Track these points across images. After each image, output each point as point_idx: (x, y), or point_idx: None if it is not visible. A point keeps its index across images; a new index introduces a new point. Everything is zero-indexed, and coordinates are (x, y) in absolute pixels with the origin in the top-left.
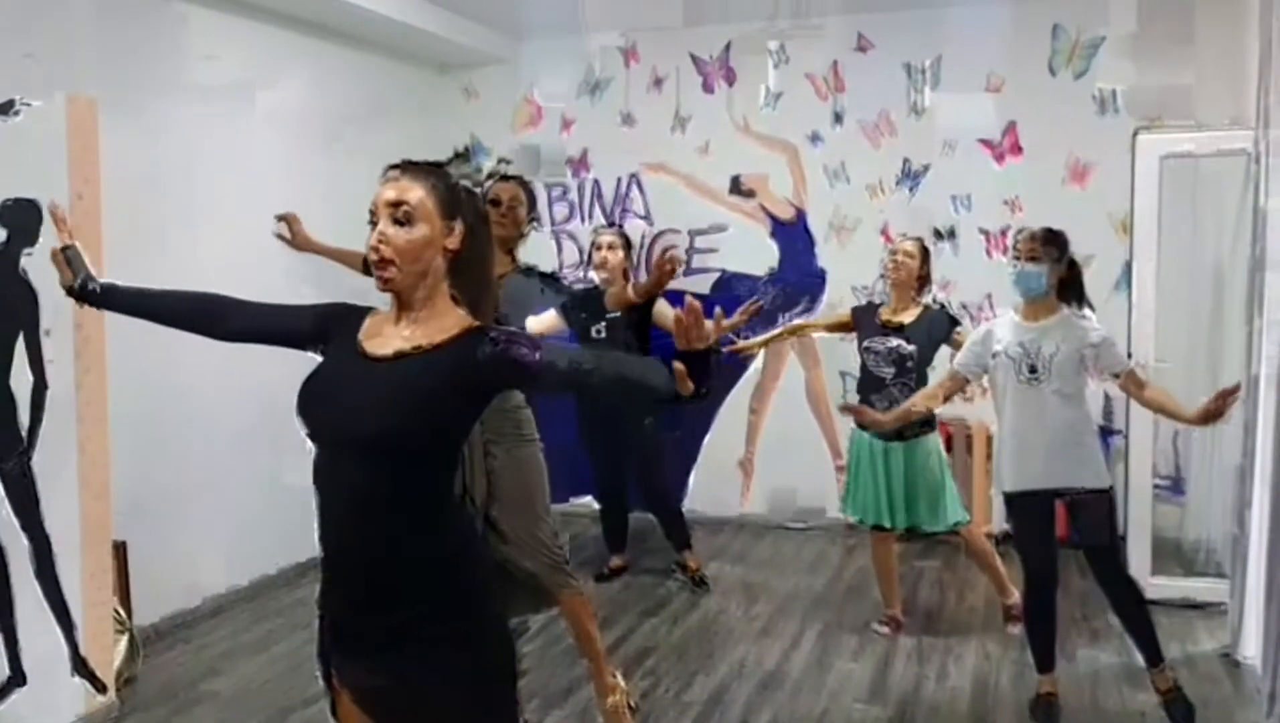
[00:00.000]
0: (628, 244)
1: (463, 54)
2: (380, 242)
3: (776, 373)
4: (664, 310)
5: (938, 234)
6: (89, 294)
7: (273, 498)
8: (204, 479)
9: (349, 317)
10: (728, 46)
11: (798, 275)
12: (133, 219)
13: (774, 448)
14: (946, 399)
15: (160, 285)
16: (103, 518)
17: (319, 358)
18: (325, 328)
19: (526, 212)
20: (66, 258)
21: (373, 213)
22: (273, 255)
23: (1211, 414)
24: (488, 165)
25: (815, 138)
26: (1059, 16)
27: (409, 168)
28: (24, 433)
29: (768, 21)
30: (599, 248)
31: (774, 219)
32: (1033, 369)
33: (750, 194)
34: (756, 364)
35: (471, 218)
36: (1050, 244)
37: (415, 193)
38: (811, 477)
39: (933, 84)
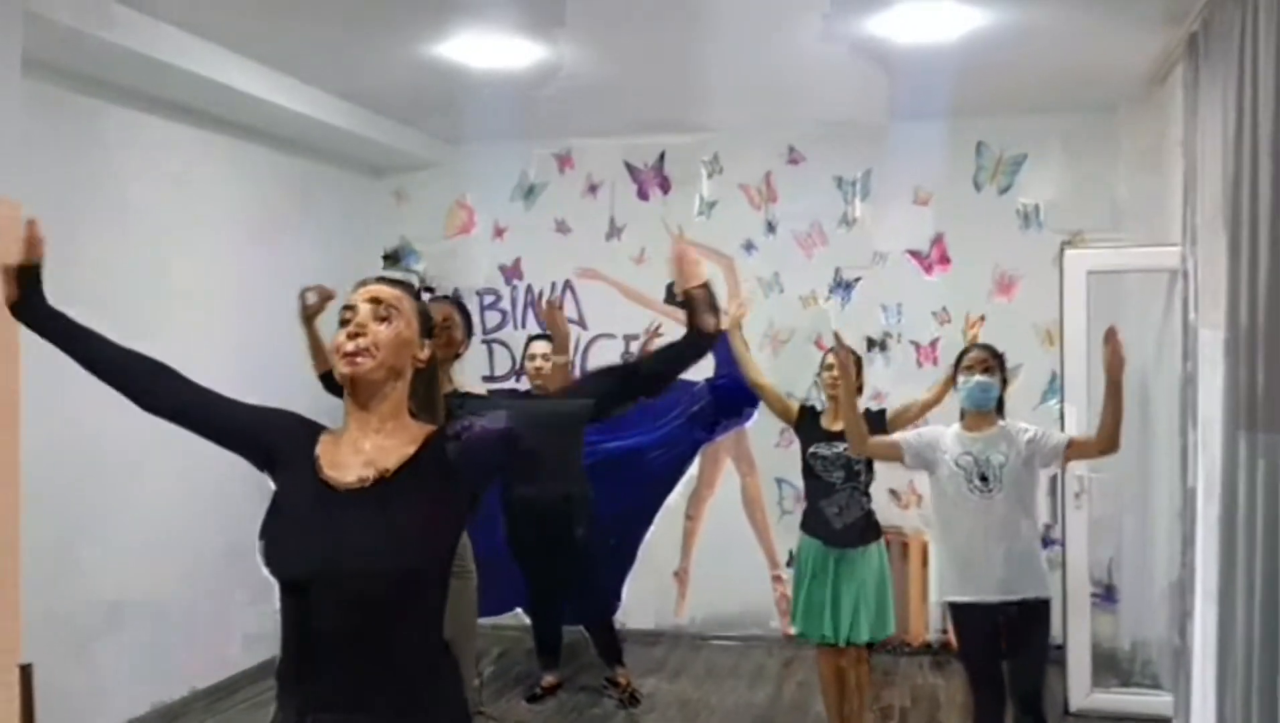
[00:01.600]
0: None
1: (395, 158)
2: (359, 332)
3: (712, 480)
4: None
5: (870, 343)
6: (33, 308)
7: (191, 617)
8: (115, 598)
9: (299, 434)
10: (662, 155)
11: (734, 384)
12: None
13: (710, 557)
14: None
15: (78, 388)
16: (10, 640)
17: (244, 461)
18: (272, 443)
19: (462, 333)
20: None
21: (346, 311)
22: (194, 358)
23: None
24: (420, 267)
25: (749, 246)
26: (982, 134)
27: (386, 278)
28: None
29: (702, 132)
30: (532, 357)
31: None
32: (984, 478)
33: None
34: (692, 471)
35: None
36: (998, 358)
37: (396, 294)
38: (748, 587)
39: (862, 196)
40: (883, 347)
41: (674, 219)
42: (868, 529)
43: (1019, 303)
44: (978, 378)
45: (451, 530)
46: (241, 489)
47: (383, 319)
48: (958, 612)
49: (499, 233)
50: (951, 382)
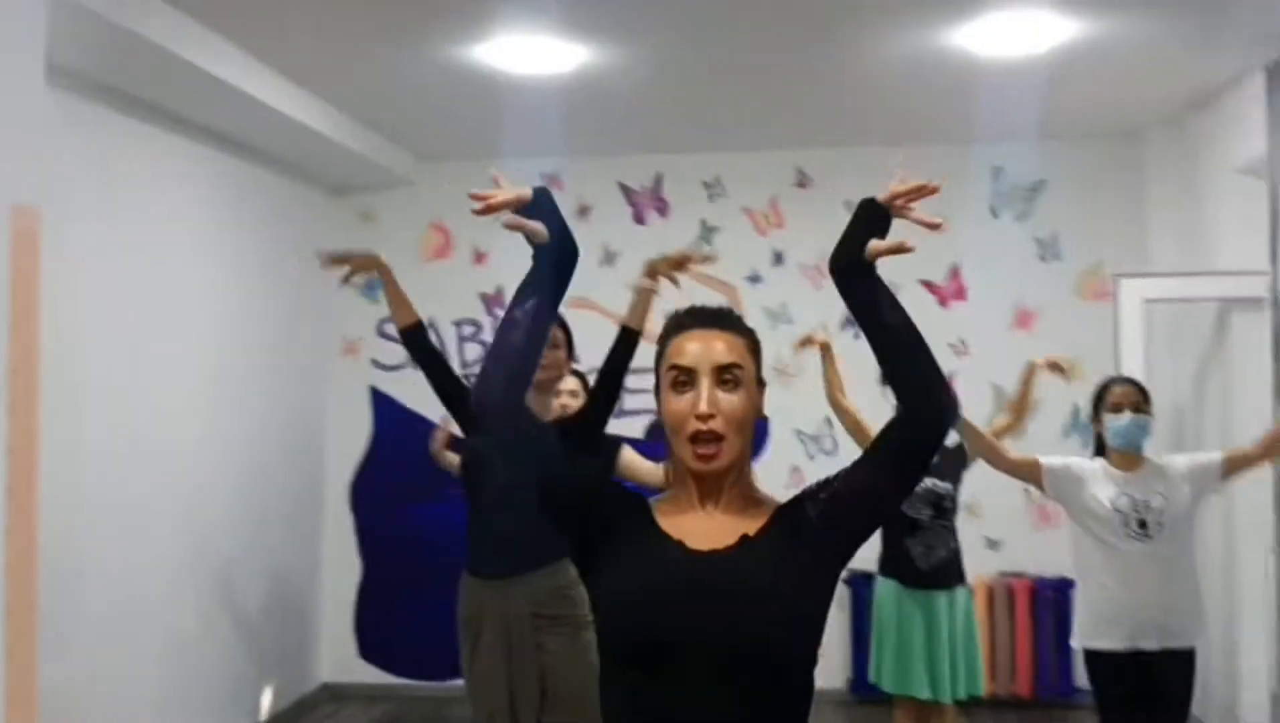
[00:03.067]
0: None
1: (361, 174)
2: (712, 411)
3: None
4: (631, 460)
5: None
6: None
7: None
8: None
9: (632, 498)
10: (659, 177)
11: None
12: None
13: None
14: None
15: None
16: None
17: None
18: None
19: (566, 353)
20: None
21: (680, 374)
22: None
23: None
24: (384, 298)
25: (755, 278)
26: (999, 159)
27: (724, 319)
28: None
29: (702, 153)
30: (558, 394)
31: None
32: (1142, 524)
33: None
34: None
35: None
36: (1144, 392)
37: (742, 350)
38: None
39: None
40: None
41: (675, 247)
42: (956, 570)
43: (1038, 335)
44: (1131, 416)
45: (827, 597)
46: None
47: (732, 385)
48: (1100, 661)
49: (479, 258)
50: (1023, 406)
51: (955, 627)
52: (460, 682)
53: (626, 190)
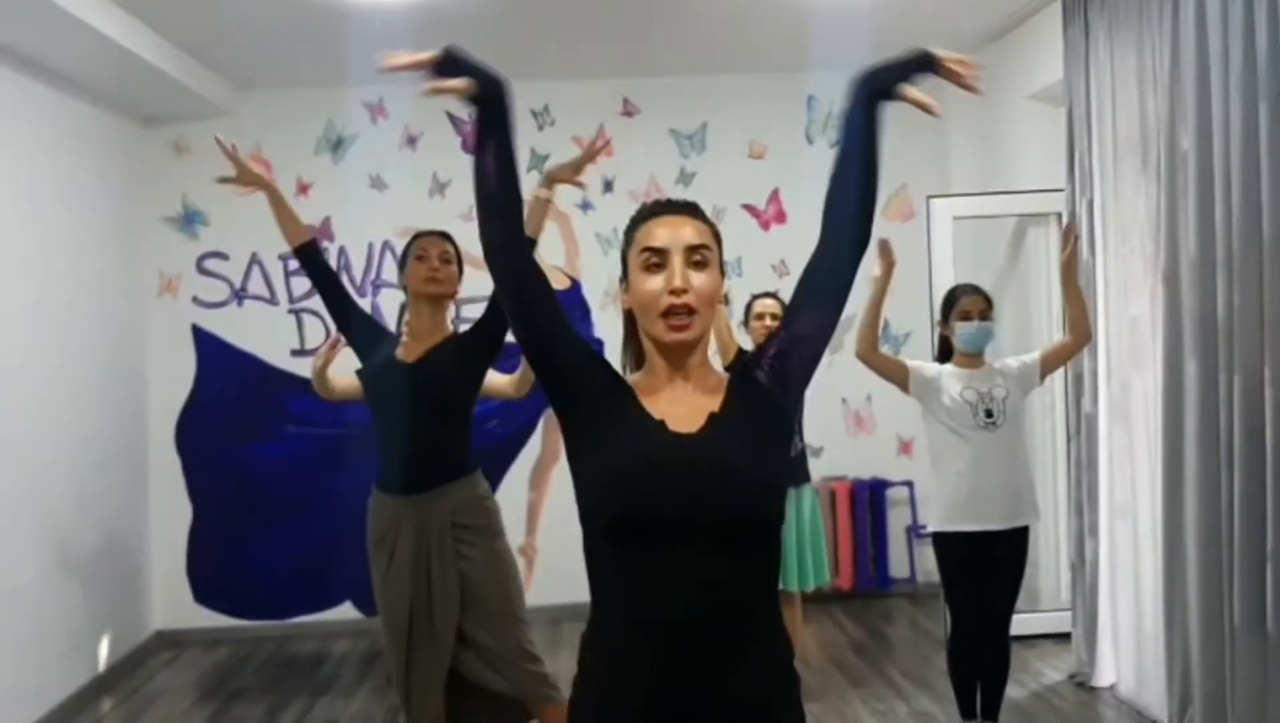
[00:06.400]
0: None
1: (174, 102)
2: (684, 287)
3: (556, 449)
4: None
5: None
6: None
7: None
8: None
9: (616, 375)
10: None
11: None
12: None
13: (557, 531)
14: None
15: None
16: None
17: None
18: (602, 375)
19: (458, 268)
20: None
21: (651, 256)
22: None
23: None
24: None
25: (586, 205)
26: (812, 88)
27: (691, 208)
28: None
29: (531, 80)
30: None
31: None
32: (989, 413)
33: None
34: (534, 441)
35: None
36: (990, 301)
37: (709, 235)
38: None
39: (698, 150)
40: (726, 301)
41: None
42: (802, 470)
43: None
44: (979, 324)
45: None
46: None
47: (699, 265)
48: (953, 542)
49: (303, 190)
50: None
51: (803, 522)
52: (304, 618)
53: (454, 119)
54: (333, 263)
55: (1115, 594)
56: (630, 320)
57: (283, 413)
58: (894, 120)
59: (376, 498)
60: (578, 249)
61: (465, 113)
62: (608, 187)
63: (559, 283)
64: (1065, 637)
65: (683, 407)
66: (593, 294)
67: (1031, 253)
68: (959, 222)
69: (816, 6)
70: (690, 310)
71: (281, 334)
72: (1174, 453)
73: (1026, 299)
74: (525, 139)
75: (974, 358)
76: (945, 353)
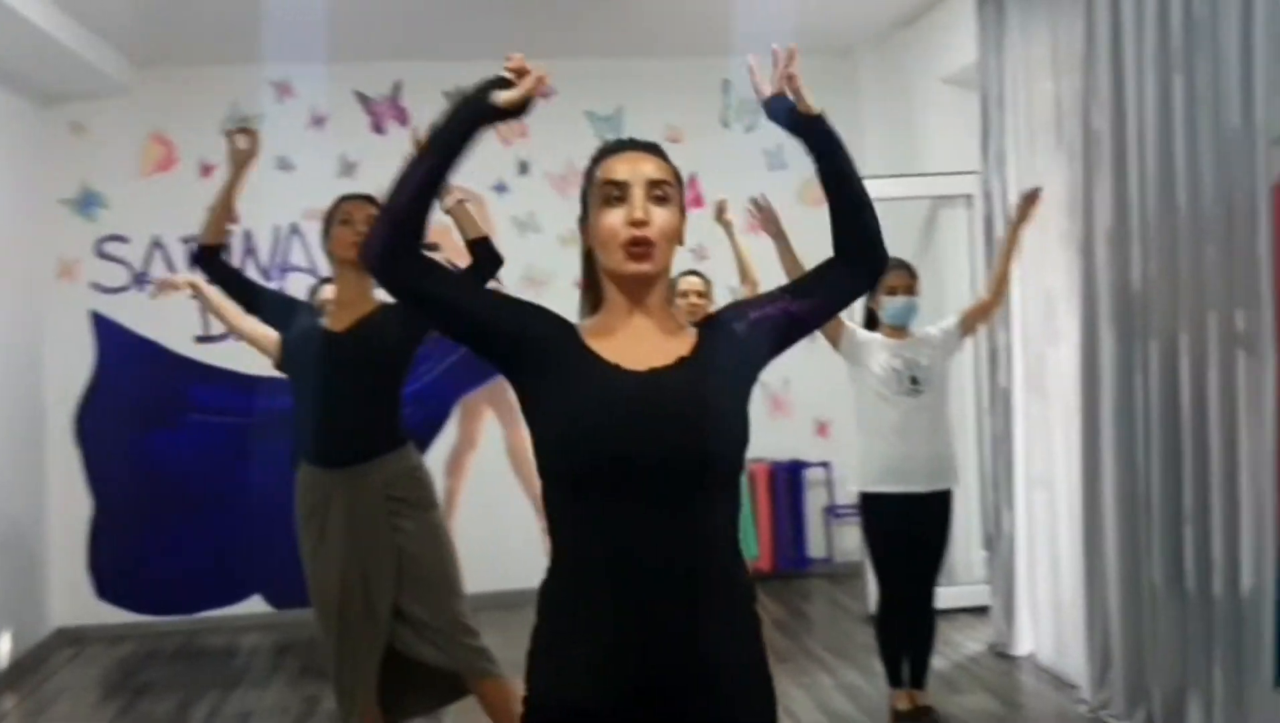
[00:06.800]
0: None
1: (72, 80)
2: (645, 219)
3: (472, 436)
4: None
5: None
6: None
7: None
8: None
9: (559, 323)
10: (398, 85)
11: None
12: None
13: (475, 518)
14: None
15: None
16: None
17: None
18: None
19: None
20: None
21: (612, 189)
22: None
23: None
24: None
25: (501, 187)
26: (728, 73)
27: (653, 147)
28: None
29: (442, 60)
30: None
31: None
32: (915, 380)
33: (434, 246)
34: (450, 428)
35: None
36: (915, 275)
37: (670, 173)
38: (520, 545)
39: (615, 134)
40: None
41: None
42: None
43: (768, 240)
44: (905, 298)
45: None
46: None
47: (660, 200)
48: (879, 503)
49: (207, 171)
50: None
51: None
52: (212, 612)
53: (364, 99)
54: (237, 246)
55: (1034, 565)
56: (589, 262)
57: (187, 401)
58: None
59: (305, 472)
60: (493, 232)
61: (374, 93)
62: (523, 169)
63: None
64: (982, 610)
65: (644, 345)
66: (509, 278)
67: (944, 235)
68: (878, 204)
69: None
70: (649, 242)
71: (185, 320)
72: (1091, 421)
73: (940, 281)
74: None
75: (899, 330)
76: (870, 326)
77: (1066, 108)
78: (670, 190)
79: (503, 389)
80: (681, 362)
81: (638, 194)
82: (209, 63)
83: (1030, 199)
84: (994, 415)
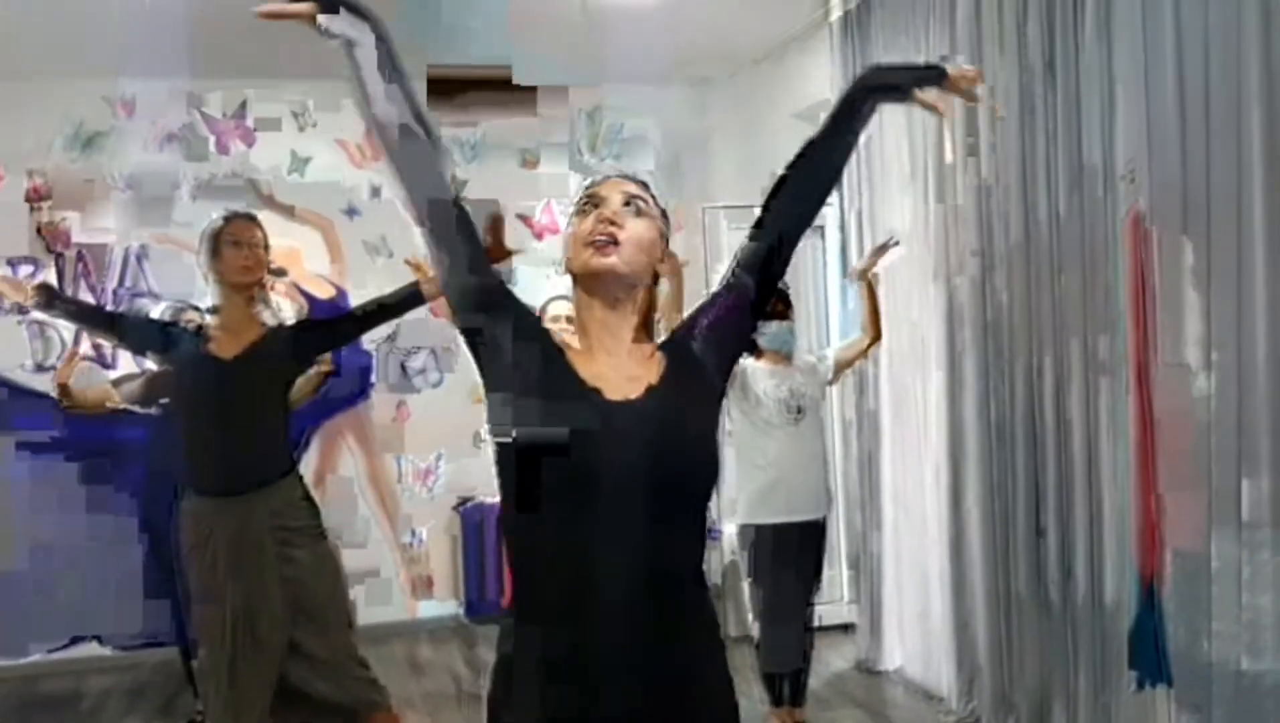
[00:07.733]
0: None
1: None
2: (615, 220)
3: (332, 462)
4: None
5: None
6: None
7: None
8: None
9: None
10: (243, 104)
11: (343, 356)
12: None
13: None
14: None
15: None
16: None
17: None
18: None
19: (266, 252)
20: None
21: (587, 204)
22: None
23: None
24: None
25: (352, 211)
26: (584, 103)
27: (638, 180)
28: None
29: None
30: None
31: (310, 299)
32: (798, 410)
33: (281, 272)
34: (310, 454)
35: None
36: (788, 301)
37: (651, 196)
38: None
39: (471, 158)
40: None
41: (263, 179)
42: None
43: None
44: (779, 323)
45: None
46: None
47: (637, 213)
48: (760, 533)
49: (37, 192)
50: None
51: None
52: (43, 656)
53: (208, 118)
54: (67, 271)
55: (900, 581)
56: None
57: (19, 435)
58: (667, 136)
59: (190, 502)
60: (342, 256)
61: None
62: (375, 193)
63: (323, 292)
64: (846, 628)
65: (618, 372)
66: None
67: (798, 264)
68: (734, 232)
69: (592, 24)
70: (616, 240)
71: (17, 347)
72: (956, 441)
73: (796, 309)
74: (284, 140)
75: (780, 355)
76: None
77: (918, 141)
78: (648, 207)
79: (361, 417)
80: (649, 391)
81: (614, 199)
82: (41, 76)
83: (881, 250)
84: (861, 438)
